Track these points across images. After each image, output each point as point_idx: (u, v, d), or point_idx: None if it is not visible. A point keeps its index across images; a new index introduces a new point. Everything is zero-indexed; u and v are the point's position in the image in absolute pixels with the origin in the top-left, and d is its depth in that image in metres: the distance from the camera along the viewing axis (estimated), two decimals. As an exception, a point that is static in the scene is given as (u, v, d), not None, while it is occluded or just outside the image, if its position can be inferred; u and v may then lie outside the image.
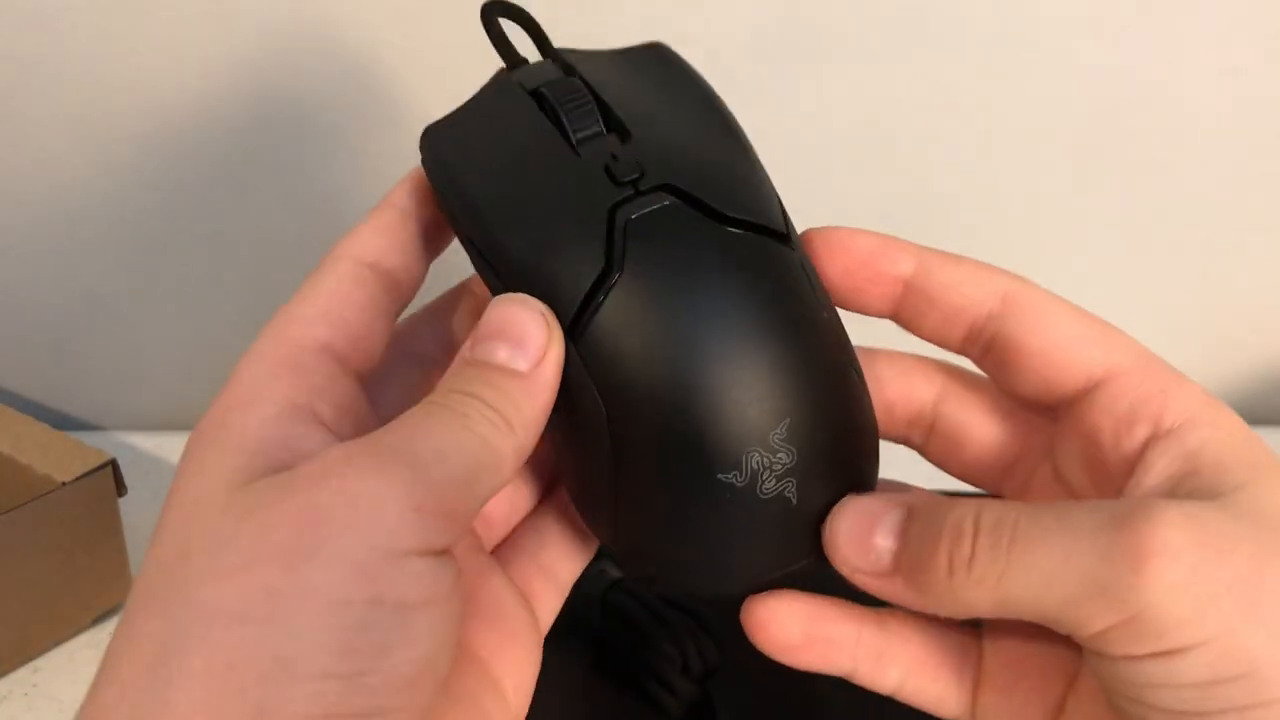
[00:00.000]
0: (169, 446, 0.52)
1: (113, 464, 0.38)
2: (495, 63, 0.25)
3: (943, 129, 0.45)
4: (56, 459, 0.37)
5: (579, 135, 0.22)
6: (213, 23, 0.43)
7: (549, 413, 0.20)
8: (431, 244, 0.24)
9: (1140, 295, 0.50)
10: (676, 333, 0.20)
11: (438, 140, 0.23)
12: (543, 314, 0.20)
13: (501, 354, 0.20)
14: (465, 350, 0.20)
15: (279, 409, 0.19)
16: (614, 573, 0.35)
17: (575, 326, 0.20)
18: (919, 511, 0.20)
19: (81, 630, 0.40)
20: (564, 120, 0.22)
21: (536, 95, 0.23)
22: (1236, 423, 0.20)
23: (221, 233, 0.48)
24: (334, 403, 0.20)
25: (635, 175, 0.21)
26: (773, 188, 0.23)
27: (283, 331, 0.21)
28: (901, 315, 0.23)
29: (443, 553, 0.18)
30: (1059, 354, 0.21)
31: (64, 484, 0.36)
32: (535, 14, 0.26)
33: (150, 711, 0.16)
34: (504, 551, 0.24)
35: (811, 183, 0.46)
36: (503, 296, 0.20)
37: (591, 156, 0.21)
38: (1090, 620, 0.18)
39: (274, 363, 0.20)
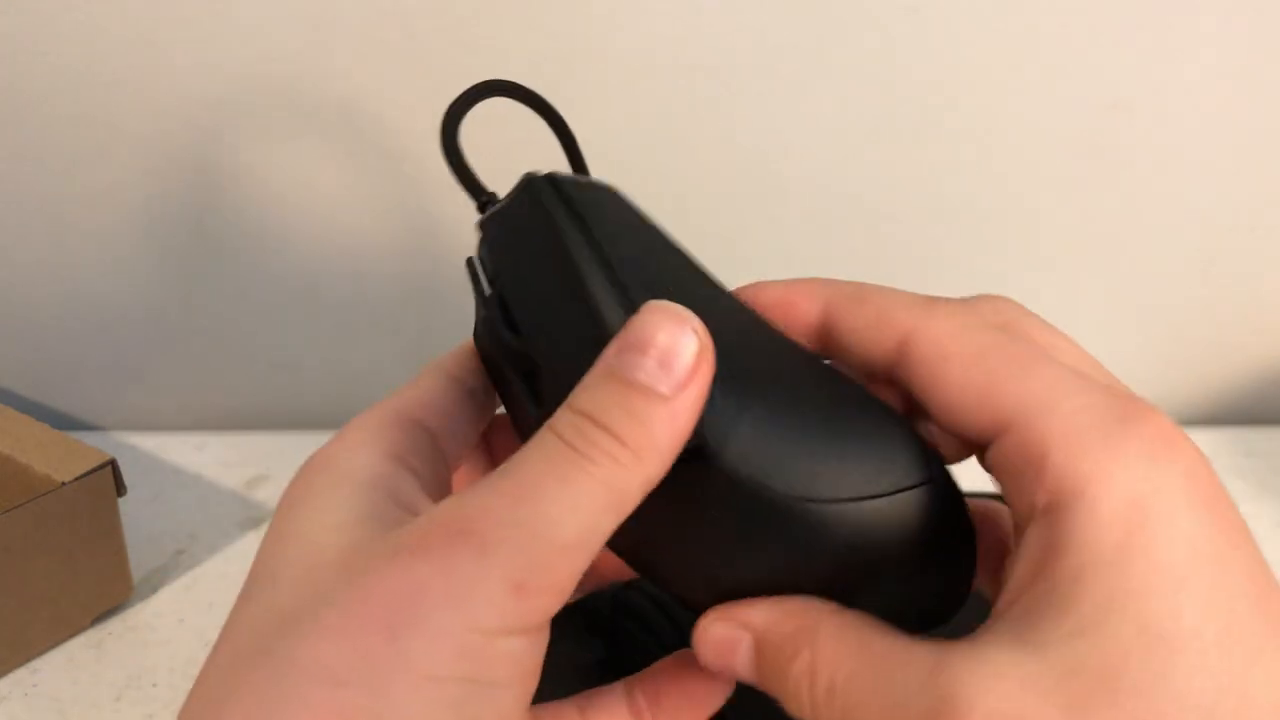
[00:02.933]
0: (169, 446, 0.52)
1: (112, 464, 0.38)
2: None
3: (941, 129, 0.45)
4: (56, 459, 0.37)
5: None
6: (212, 23, 0.43)
7: (687, 438, 0.18)
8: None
9: (1140, 295, 0.50)
10: None
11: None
12: (696, 330, 0.18)
13: (644, 372, 0.18)
14: (609, 355, 0.19)
15: (379, 452, 0.20)
16: (628, 572, 0.35)
17: None
18: (765, 647, 0.20)
19: (81, 630, 0.39)
20: None
21: None
22: (1121, 499, 0.17)
23: (220, 232, 0.48)
24: (427, 462, 0.21)
25: None
26: None
27: (385, 405, 0.22)
28: (829, 353, 0.23)
29: (536, 630, 0.18)
30: (953, 412, 0.20)
31: (64, 484, 0.36)
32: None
33: None
34: (548, 707, 0.24)
35: (814, 182, 0.46)
36: (653, 303, 0.19)
37: None
38: None
39: (378, 422, 0.21)
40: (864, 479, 0.19)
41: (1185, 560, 0.16)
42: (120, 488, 0.38)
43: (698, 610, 0.22)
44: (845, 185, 0.47)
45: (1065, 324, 0.53)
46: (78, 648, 0.39)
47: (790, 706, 0.19)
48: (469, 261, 0.23)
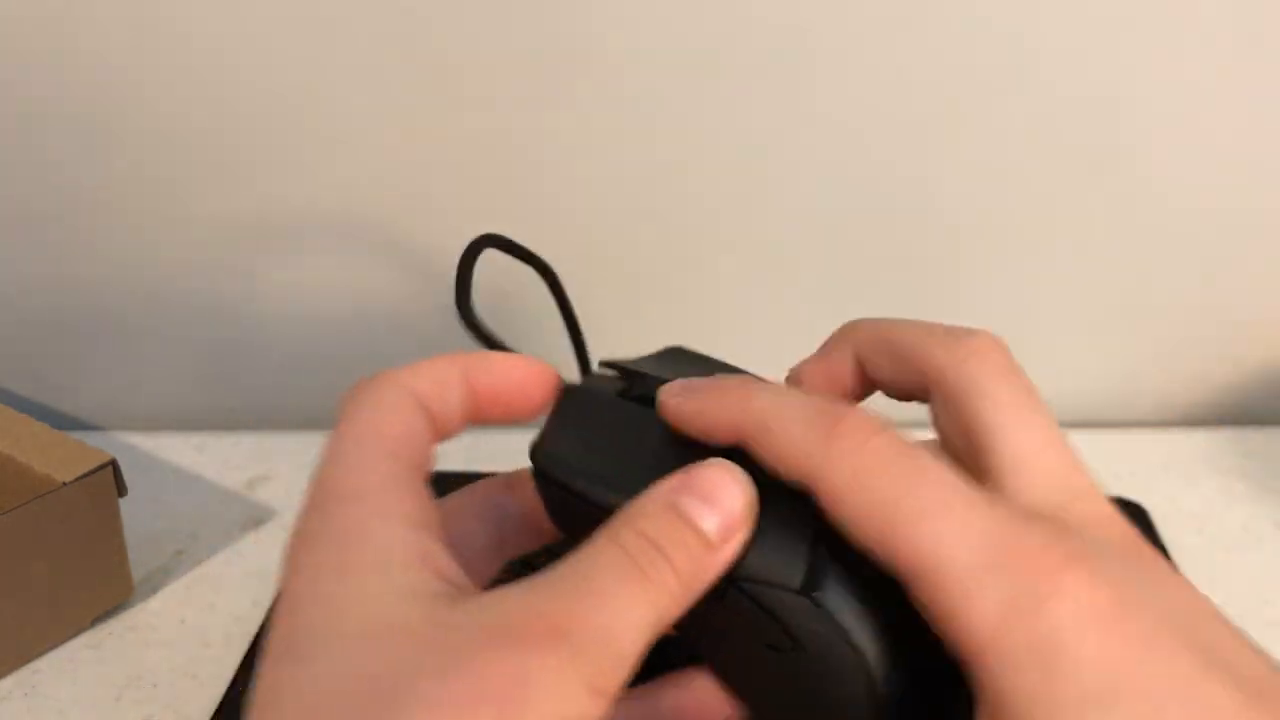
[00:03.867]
0: (169, 447, 0.52)
1: (113, 464, 0.38)
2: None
3: (940, 129, 0.45)
4: (57, 459, 0.37)
5: None
6: (217, 24, 0.43)
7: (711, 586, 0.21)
8: (477, 412, 0.25)
9: (1139, 295, 0.50)
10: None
11: (558, 458, 0.24)
12: (751, 497, 0.21)
13: (705, 519, 0.20)
14: (668, 492, 0.21)
15: (410, 522, 0.20)
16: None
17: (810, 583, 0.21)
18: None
19: (81, 631, 0.40)
20: None
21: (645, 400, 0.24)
22: (1024, 652, 0.19)
23: (221, 232, 0.48)
24: (436, 515, 0.21)
25: None
26: None
27: (381, 443, 0.21)
28: None
29: None
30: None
31: (64, 484, 0.36)
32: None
33: None
34: None
35: (810, 181, 0.47)
36: (717, 461, 0.21)
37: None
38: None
39: (390, 474, 0.21)
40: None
41: (1094, 689, 0.18)
42: (121, 488, 0.38)
43: None
44: (842, 184, 0.47)
45: (1064, 324, 0.53)
46: (78, 648, 0.39)
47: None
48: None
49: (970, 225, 0.48)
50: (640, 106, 0.45)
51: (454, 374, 0.24)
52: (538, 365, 0.25)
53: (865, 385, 0.25)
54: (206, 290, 0.50)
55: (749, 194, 0.47)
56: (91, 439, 0.40)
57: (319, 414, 0.54)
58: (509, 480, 0.27)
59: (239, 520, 0.46)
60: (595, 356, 0.28)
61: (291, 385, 0.53)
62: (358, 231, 0.48)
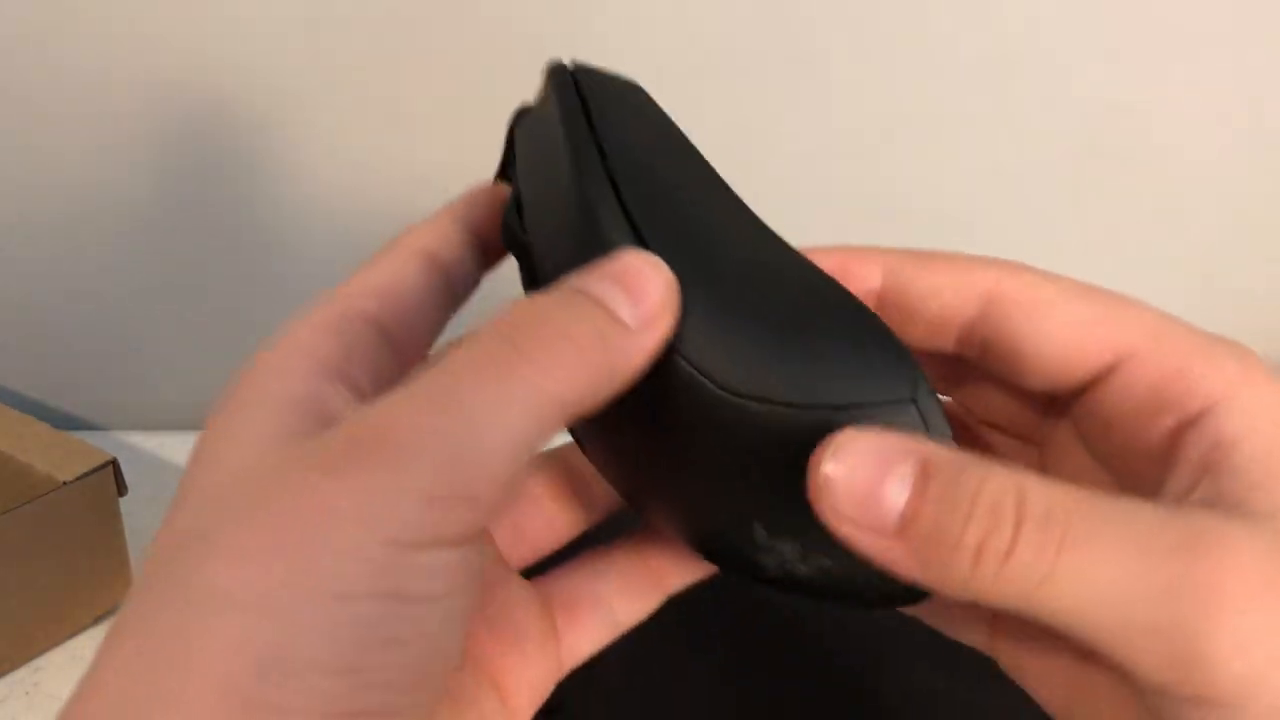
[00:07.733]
0: (170, 446, 0.52)
1: (113, 464, 0.38)
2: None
3: (942, 134, 0.45)
4: (57, 459, 0.38)
5: None
6: (212, 19, 0.43)
7: (627, 380, 0.17)
8: (486, 254, 0.22)
9: (1138, 296, 0.50)
10: None
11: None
12: (671, 283, 0.18)
13: (614, 298, 0.17)
14: (572, 280, 0.18)
15: (312, 367, 0.18)
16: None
17: None
18: (940, 469, 0.16)
19: (82, 629, 0.40)
20: None
21: None
22: (1273, 400, 0.18)
23: (221, 233, 0.48)
24: (370, 369, 0.19)
25: None
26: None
27: (332, 302, 0.20)
28: (889, 320, 0.20)
29: (463, 541, 0.16)
30: (1058, 348, 0.19)
31: (65, 484, 0.36)
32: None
33: (140, 701, 0.15)
34: (560, 572, 0.23)
35: (808, 183, 0.47)
36: (633, 250, 0.18)
37: None
38: (1140, 655, 0.16)
39: (316, 326, 0.19)
40: (839, 385, 0.17)
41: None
42: (121, 487, 0.38)
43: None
44: (843, 185, 0.47)
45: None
46: (79, 646, 0.39)
47: (953, 559, 0.16)
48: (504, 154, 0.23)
49: (966, 227, 0.48)
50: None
51: (451, 220, 0.22)
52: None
53: (881, 310, 0.21)
54: (208, 289, 0.50)
55: (746, 196, 0.47)
56: (92, 439, 0.40)
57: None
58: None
59: (239, 519, 0.46)
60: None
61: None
62: (361, 233, 0.48)
